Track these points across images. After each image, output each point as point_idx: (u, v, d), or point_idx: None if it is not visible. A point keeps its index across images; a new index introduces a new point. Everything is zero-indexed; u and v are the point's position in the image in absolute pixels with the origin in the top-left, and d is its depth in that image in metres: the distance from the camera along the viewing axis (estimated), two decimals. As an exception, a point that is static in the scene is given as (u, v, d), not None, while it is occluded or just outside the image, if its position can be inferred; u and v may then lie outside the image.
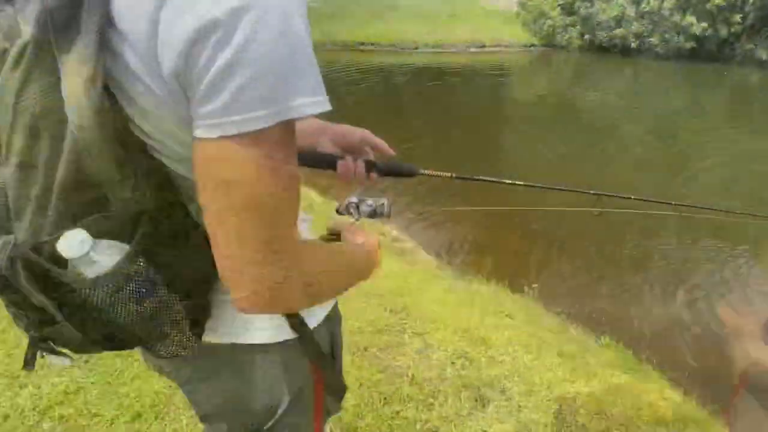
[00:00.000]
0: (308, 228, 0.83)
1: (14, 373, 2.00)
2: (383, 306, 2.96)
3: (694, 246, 4.84)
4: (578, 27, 16.46)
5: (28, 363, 0.66)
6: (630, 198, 1.60)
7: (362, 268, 0.79)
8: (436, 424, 2.10)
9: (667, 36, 14.77)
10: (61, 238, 0.52)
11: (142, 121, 0.53)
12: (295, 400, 0.80)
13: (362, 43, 17.30)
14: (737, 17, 14.16)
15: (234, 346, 0.72)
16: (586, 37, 16.33)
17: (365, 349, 2.54)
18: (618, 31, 15.41)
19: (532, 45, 17.24)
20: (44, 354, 0.66)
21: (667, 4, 14.39)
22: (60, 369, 2.01)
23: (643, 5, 14.88)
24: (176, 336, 0.64)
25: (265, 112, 0.49)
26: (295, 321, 0.74)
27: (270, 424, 0.80)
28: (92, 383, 2.02)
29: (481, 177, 1.41)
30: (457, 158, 7.22)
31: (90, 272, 0.53)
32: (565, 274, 4.29)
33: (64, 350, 0.65)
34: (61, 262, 0.53)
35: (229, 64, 0.46)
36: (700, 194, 6.48)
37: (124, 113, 0.51)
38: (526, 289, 3.78)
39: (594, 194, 1.49)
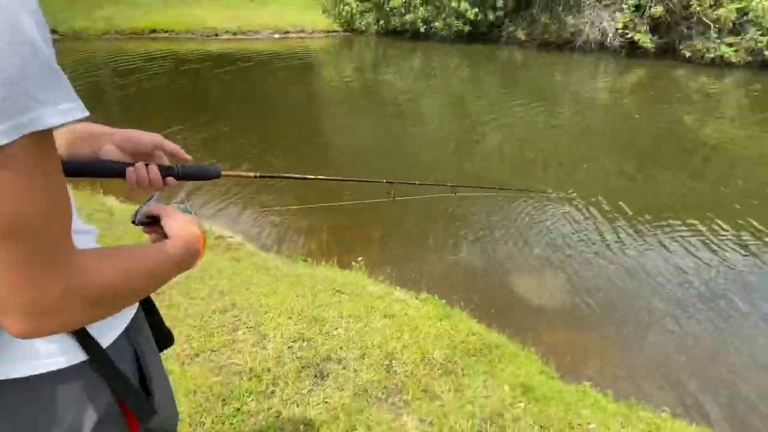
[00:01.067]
0: (93, 240, 0.78)
1: None
2: (211, 307, 2.87)
3: (469, 209, 5.69)
4: (373, 13, 17.47)
5: None
6: (416, 183, 1.84)
7: (177, 261, 0.75)
8: (279, 408, 2.15)
9: (448, 21, 16.67)
10: None
11: None
12: (100, 427, 0.72)
13: (154, 31, 15.74)
14: (500, 2, 16.63)
15: (20, 381, 0.65)
16: (381, 22, 17.45)
17: (196, 355, 2.45)
18: (408, 17, 16.82)
19: (334, 31, 17.76)
20: None
21: (445, -9, 16.21)
22: None
23: (426, -8, 16.55)
24: None
25: (1, 127, 0.46)
26: (84, 340, 0.69)
27: None
28: None
29: (283, 174, 1.47)
30: (265, 150, 7.16)
31: None
32: (385, 246, 4.67)
33: None
34: None
35: None
36: (487, 166, 7.60)
37: None
38: (353, 263, 4.01)
39: (388, 183, 1.67)
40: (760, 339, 3.70)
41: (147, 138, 0.93)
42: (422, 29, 17.05)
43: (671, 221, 5.47)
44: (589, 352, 3.47)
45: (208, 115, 8.78)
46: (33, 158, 0.50)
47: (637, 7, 15.52)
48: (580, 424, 2.40)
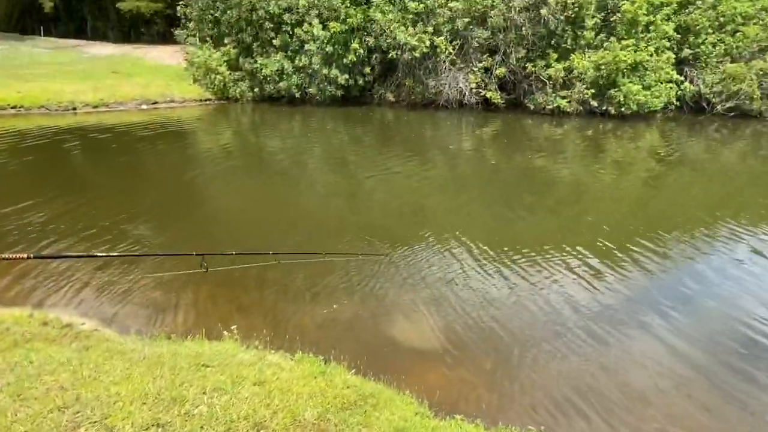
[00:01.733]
0: None
1: None
2: (48, 406, 2.52)
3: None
4: (247, 81, 17.68)
5: None
6: (232, 254, 1.85)
7: None
8: (124, 508, 1.91)
9: (321, 86, 17.43)
10: None
11: None
12: None
13: (1, 108, 14.28)
14: (367, 69, 17.86)
15: None
16: (256, 90, 17.69)
17: (23, 465, 2.12)
18: (282, 84, 17.28)
19: (207, 99, 17.57)
20: None
21: (315, 60, 16.96)
22: None
23: (297, 61, 17.14)
24: None
25: None
26: None
27: None
28: None
29: (63, 254, 1.40)
30: (122, 222, 6.70)
31: None
32: (259, 310, 4.52)
33: None
34: None
35: None
36: (369, 213, 7.85)
37: None
38: (225, 333, 3.82)
39: (198, 255, 1.67)
40: (624, 362, 4.13)
41: None
42: (297, 94, 17.58)
43: (532, 254, 6.05)
44: (461, 387, 3.61)
45: (59, 190, 8.03)
46: None
47: (486, 69, 17.60)
48: (450, 459, 2.46)
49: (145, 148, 11.55)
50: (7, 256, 1.08)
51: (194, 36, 18.50)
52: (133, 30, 27.02)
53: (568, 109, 16.96)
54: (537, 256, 5.98)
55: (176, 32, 19.46)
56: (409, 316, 4.60)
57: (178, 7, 19.09)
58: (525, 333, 4.37)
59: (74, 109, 15.28)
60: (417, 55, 16.93)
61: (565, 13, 16.71)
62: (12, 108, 14.56)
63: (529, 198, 8.76)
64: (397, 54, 17.29)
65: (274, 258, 2.45)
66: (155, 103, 16.61)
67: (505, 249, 6.16)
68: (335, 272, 5.33)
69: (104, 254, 1.23)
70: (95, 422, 2.41)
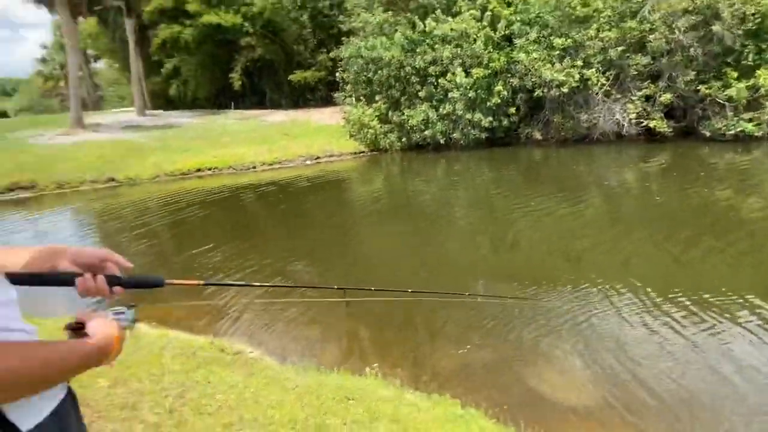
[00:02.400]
0: (30, 338, 0.92)
1: None
2: (219, 421, 2.90)
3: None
4: (396, 132, 18.87)
5: None
6: (371, 289, 1.96)
7: (83, 355, 0.89)
8: None
9: (465, 131, 17.75)
10: None
11: None
12: None
13: (199, 170, 17.44)
14: (512, 110, 17.73)
15: None
16: (404, 140, 18.74)
17: (196, 470, 2.46)
18: (427, 132, 18.05)
19: (361, 152, 19.13)
20: None
21: (459, 106, 17.45)
22: None
23: (441, 109, 17.82)
24: None
25: None
26: (3, 422, 0.80)
27: None
28: None
29: (228, 282, 1.62)
30: (291, 261, 7.49)
31: None
32: (400, 349, 4.62)
33: None
34: None
35: None
36: (526, 258, 7.61)
37: None
38: (367, 370, 3.99)
39: (339, 288, 1.81)
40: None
41: (95, 253, 1.12)
42: (442, 141, 18.13)
43: (724, 305, 5.15)
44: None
45: (244, 234, 9.42)
46: None
47: (647, 97, 16.10)
48: None
49: (306, 198, 12.95)
50: (179, 282, 1.30)
51: (350, 96, 20.51)
52: (301, 97, 31.00)
53: (757, 133, 14.51)
54: (722, 308, 5.09)
55: (336, 95, 21.85)
56: (558, 365, 4.26)
57: (337, 74, 21.47)
58: (716, 404, 3.70)
59: (254, 167, 17.90)
60: (565, 90, 16.30)
61: (744, 26, 14.61)
62: (208, 170, 17.63)
63: (708, 239, 7.55)
64: (543, 92, 16.87)
65: (412, 295, 2.51)
66: (317, 158, 18.61)
67: (677, 296, 5.37)
68: (476, 314, 5.22)
69: (259, 284, 1.45)
70: (252, 440, 2.70)
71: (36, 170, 16.01)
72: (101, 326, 0.95)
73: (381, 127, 18.93)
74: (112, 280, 1.12)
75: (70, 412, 0.95)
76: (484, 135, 17.80)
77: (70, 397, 0.98)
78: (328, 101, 27.00)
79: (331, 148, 19.22)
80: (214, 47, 29.61)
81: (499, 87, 17.27)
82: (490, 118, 17.54)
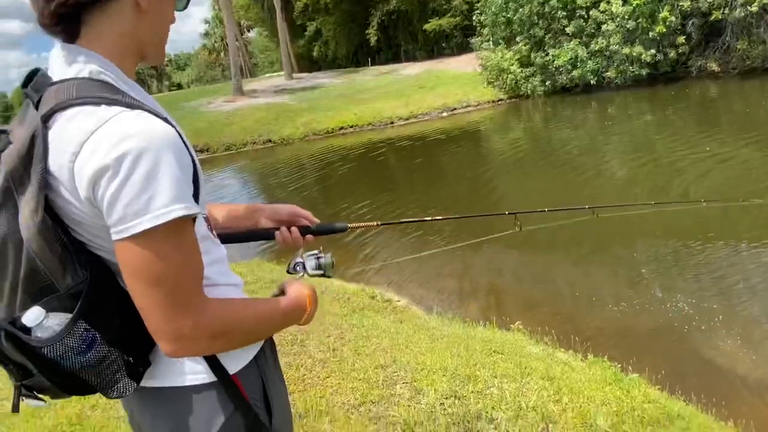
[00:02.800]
0: (239, 291, 1.03)
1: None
2: (375, 362, 3.13)
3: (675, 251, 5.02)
4: (539, 75, 17.51)
5: (15, 407, 0.88)
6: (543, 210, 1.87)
7: (285, 313, 0.98)
8: (428, 460, 2.23)
9: (621, 68, 15.72)
10: (25, 313, 0.78)
11: (80, 229, 0.79)
12: None
13: (342, 128, 18.35)
14: (681, 39, 15.16)
15: (170, 389, 0.92)
16: (548, 83, 17.33)
17: (359, 405, 2.70)
18: (575, 72, 16.40)
19: (500, 100, 18.24)
20: (24, 398, 0.87)
21: (614, 40, 15.44)
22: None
23: (592, 45, 15.96)
24: (119, 382, 0.86)
25: (141, 219, 0.73)
26: (216, 366, 0.91)
27: None
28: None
29: (404, 220, 1.68)
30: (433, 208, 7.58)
31: (45, 336, 0.78)
32: (548, 305, 4.45)
33: (42, 396, 0.87)
34: (27, 330, 0.78)
35: (114, 194, 0.72)
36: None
37: (65, 226, 0.78)
38: (512, 326, 3.94)
39: (510, 214, 1.75)
40: None
41: (286, 209, 1.27)
42: (593, 81, 16.38)
43: None
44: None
45: (389, 186, 9.82)
46: (167, 237, 0.75)
47: None
48: None
49: (442, 151, 12.86)
50: (359, 224, 1.39)
51: (488, 41, 19.47)
52: (436, 46, 30.35)
53: None
54: None
55: (472, 40, 20.92)
56: (743, 331, 3.72)
57: (474, 17, 20.44)
58: None
59: (391, 123, 18.26)
60: (754, 9, 13.38)
61: None
62: (350, 128, 18.46)
63: None
64: (724, 13, 14.07)
65: (591, 212, 2.24)
66: (454, 109, 18.26)
67: None
68: (637, 267, 4.78)
69: (431, 218, 1.48)
70: (407, 383, 2.87)
71: (208, 135, 18.38)
72: (296, 288, 1.05)
73: (521, 71, 17.74)
74: (304, 231, 1.24)
75: (269, 358, 1.06)
76: (645, 71, 15.62)
77: (270, 343, 1.09)
78: (463, 48, 26.03)
79: (468, 97, 18.65)
80: (350, 5, 30.22)
81: (665, 13, 14.85)
82: (653, 51, 15.27)
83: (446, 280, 5.23)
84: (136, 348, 0.87)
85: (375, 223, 1.57)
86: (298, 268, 1.21)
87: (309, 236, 1.24)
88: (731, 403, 2.90)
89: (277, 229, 1.21)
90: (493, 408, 2.59)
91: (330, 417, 2.56)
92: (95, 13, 0.81)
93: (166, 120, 0.81)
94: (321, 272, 1.23)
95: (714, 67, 15.26)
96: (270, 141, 18.26)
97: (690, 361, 3.45)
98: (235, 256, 6.91)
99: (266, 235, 1.23)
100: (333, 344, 3.41)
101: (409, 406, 2.65)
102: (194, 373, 0.91)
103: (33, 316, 0.77)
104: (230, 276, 1.02)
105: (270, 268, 5.62)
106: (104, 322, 0.82)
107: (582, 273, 4.97)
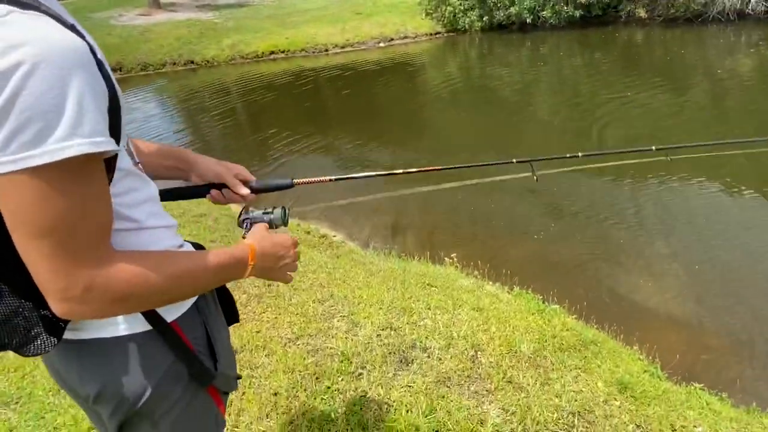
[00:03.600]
0: (172, 233, 0.92)
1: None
2: (312, 297, 3.14)
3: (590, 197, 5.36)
4: (477, 10, 17.22)
5: None
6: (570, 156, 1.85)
7: (219, 272, 0.85)
8: (365, 389, 2.31)
9: (557, 7, 15.83)
10: None
11: None
12: (162, 386, 0.86)
13: (273, 52, 17.22)
14: (615, -18, 15.46)
15: (99, 341, 0.82)
16: (485, 18, 17.12)
17: (297, 338, 2.72)
18: (513, 9, 16.31)
19: (437, 33, 17.84)
20: None
21: (552, -22, 15.43)
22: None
23: (531, -19, 15.87)
24: (36, 339, 0.76)
25: (28, 153, 0.59)
26: (152, 314, 0.83)
27: (141, 407, 0.85)
28: (25, 422, 2.07)
29: (356, 175, 1.57)
30: (372, 149, 7.50)
31: None
32: (478, 240, 4.65)
33: None
34: None
35: (1, 112, 0.57)
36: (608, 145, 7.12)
37: None
38: (446, 260, 4.08)
39: (519, 162, 1.72)
40: None
41: (219, 167, 1.15)
42: (529, 20, 16.41)
43: None
44: (705, 355, 3.14)
45: (321, 120, 9.49)
46: (65, 176, 0.62)
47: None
48: (684, 426, 2.22)
49: (375, 82, 12.56)
50: (308, 180, 1.30)
51: (429, -32, 18.66)
52: (374, -31, 28.69)
53: None
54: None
55: (412, -34, 19.94)
56: (653, 267, 4.12)
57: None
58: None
59: (326, 50, 17.37)
60: (684, -44, 13.79)
61: None
62: (282, 52, 17.36)
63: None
64: (655, -42, 14.40)
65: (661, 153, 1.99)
66: (391, 40, 17.65)
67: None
68: (541, 198, 5.08)
69: (386, 173, 1.37)
70: (344, 316, 2.92)
71: (121, 52, 16.53)
72: (246, 242, 0.95)
73: (461, 3, 17.32)
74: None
75: (210, 302, 1.00)
76: (578, 13, 15.83)
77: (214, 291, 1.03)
78: (403, -26, 24.77)
79: (406, 28, 18.05)
80: None
81: (602, -47, 14.93)
82: (588, -7, 15.45)
83: (382, 216, 5.27)
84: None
85: (327, 179, 1.46)
86: (246, 225, 1.10)
87: (248, 194, 1.16)
88: (638, 331, 3.24)
89: (211, 186, 1.14)
90: (426, 338, 2.71)
91: (267, 351, 2.56)
92: None
93: (73, 28, 0.65)
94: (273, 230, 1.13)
95: (642, 13, 15.79)
96: (192, 62, 16.79)
97: (604, 294, 3.78)
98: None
99: (199, 192, 1.15)
100: (268, 279, 3.37)
101: (346, 338, 2.70)
102: (127, 322, 0.83)
103: None
104: (162, 217, 0.90)
105: (198, 201, 5.34)
106: (7, 273, 0.71)
107: (510, 211, 5.20)
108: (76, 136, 0.61)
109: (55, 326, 0.77)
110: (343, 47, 17.40)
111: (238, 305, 3.10)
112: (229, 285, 3.32)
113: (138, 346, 0.84)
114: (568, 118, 8.61)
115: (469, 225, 4.91)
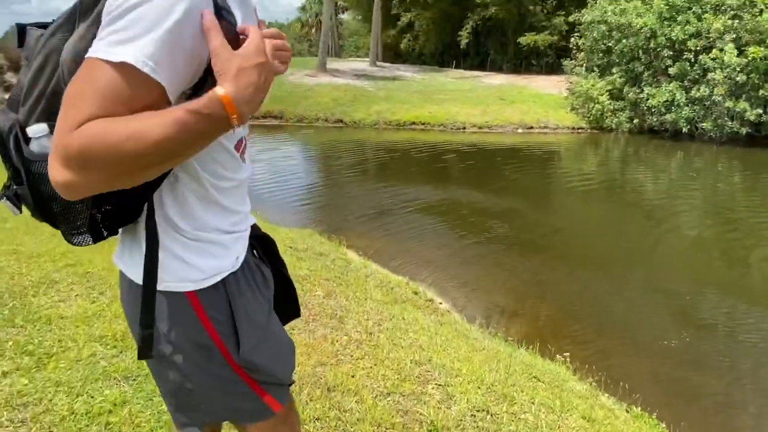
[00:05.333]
0: (233, 218, 0.96)
1: (71, 383, 2.25)
2: (410, 356, 3.05)
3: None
4: (627, 111, 16.68)
5: None
6: None
7: (188, 126, 0.71)
8: (450, 469, 2.12)
9: (719, 121, 14.69)
10: (33, 125, 0.80)
11: None
12: (190, 351, 0.92)
13: (413, 123, 18.28)
14: (794, 102, 14.02)
15: (129, 279, 0.93)
16: (635, 121, 16.48)
17: (389, 393, 2.63)
18: (668, 116, 15.48)
19: (580, 128, 17.54)
20: (5, 198, 0.87)
21: (719, 90, 14.44)
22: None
23: (693, 92, 14.99)
24: (80, 235, 0.85)
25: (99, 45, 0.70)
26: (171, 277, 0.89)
27: (174, 365, 0.93)
28: (137, 398, 2.23)
29: None
30: (490, 221, 7.36)
31: (36, 151, 0.80)
32: (600, 345, 4.19)
33: (22, 206, 0.87)
34: (28, 140, 0.81)
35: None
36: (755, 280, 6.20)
37: None
38: (558, 356, 3.74)
39: None
40: None
41: None
42: (685, 129, 15.43)
43: None
44: None
45: (443, 185, 9.69)
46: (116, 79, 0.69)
47: None
48: None
49: (508, 165, 12.51)
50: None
51: (581, 66, 18.77)
52: (525, 62, 29.61)
53: None
54: None
55: (564, 62, 20.23)
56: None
57: (572, 39, 19.75)
58: None
59: (464, 128, 18.00)
60: None
61: None
62: (422, 124, 18.36)
63: None
64: None
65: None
66: (531, 128, 17.76)
67: None
68: (692, 319, 4.42)
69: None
70: (439, 385, 2.77)
71: (285, 103, 18.82)
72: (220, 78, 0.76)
73: (610, 103, 16.96)
74: None
75: (242, 286, 0.97)
76: (744, 130, 14.54)
77: (249, 273, 1.01)
78: (553, 69, 25.28)
79: (547, 118, 18.08)
80: (448, 4, 29.99)
81: (783, 72, 13.76)
82: (760, 111, 14.18)
83: (494, 294, 5.06)
84: (106, 208, 0.84)
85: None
86: None
87: None
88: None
89: None
90: (526, 434, 2.45)
91: (358, 398, 2.50)
92: None
93: None
94: None
95: (825, 140, 14.02)
96: (341, 121, 18.48)
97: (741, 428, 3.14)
98: (288, 221, 7.01)
99: None
100: (371, 328, 3.36)
101: (438, 408, 2.54)
102: (147, 273, 0.88)
103: (36, 129, 0.79)
104: (238, 201, 0.96)
105: (320, 241, 5.65)
106: None
107: (638, 313, 4.66)
108: (137, 55, 0.69)
109: (97, 229, 0.86)
110: (481, 127, 17.89)
111: (338, 345, 3.12)
112: (332, 323, 3.37)
113: (173, 304, 0.91)
114: (718, 239, 7.68)
115: (588, 322, 4.48)
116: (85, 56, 0.71)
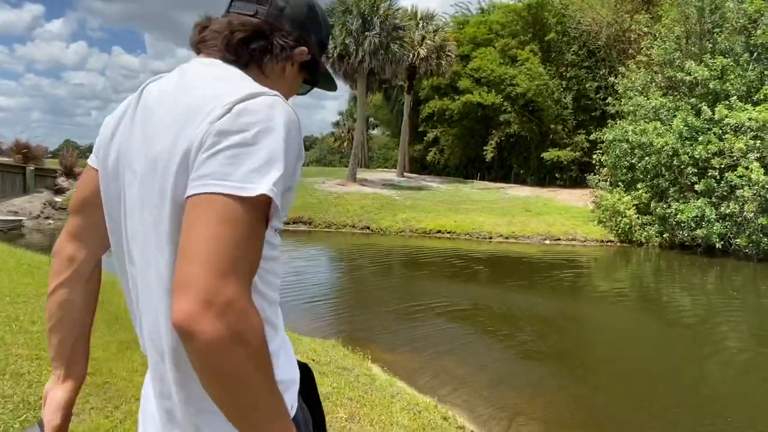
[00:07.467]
0: (273, 308, 0.90)
1: None
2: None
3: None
4: (656, 225, 16.53)
5: None
6: None
7: (272, 420, 0.73)
8: None
9: (754, 237, 14.34)
10: None
11: None
12: None
13: (439, 231, 18.49)
14: (832, 221, 13.67)
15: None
16: (665, 235, 16.26)
17: None
18: (699, 231, 15.22)
19: (609, 241, 17.35)
20: None
21: (749, 207, 14.30)
22: None
23: (722, 208, 14.87)
24: None
25: (249, 185, 0.72)
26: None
27: None
28: None
29: None
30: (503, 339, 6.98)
31: None
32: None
33: None
34: None
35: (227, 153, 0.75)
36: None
37: None
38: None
39: None
40: None
41: (52, 407, 1.01)
42: (718, 245, 15.08)
43: None
44: None
45: (471, 294, 9.43)
46: (248, 211, 0.71)
47: None
48: None
49: (537, 276, 12.25)
50: None
51: (605, 181, 19.10)
52: (548, 175, 30.44)
53: None
54: None
55: (588, 177, 20.66)
56: None
57: (594, 156, 20.38)
58: None
59: (490, 238, 18.06)
60: None
61: None
62: (447, 233, 18.54)
63: None
64: None
65: None
66: (557, 239, 17.68)
67: None
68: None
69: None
70: None
71: (315, 210, 19.50)
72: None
73: (638, 218, 16.90)
74: None
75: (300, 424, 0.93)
76: (782, 247, 14.13)
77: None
78: (577, 183, 25.82)
79: (575, 231, 18.04)
80: (473, 121, 31.89)
81: (813, 190, 13.65)
82: (795, 228, 13.88)
83: (533, 424, 4.63)
84: None
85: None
86: None
87: None
88: None
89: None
90: None
91: None
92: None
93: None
94: None
95: None
96: (368, 228, 18.87)
97: None
98: (310, 328, 6.84)
99: None
100: (398, 460, 3.06)
101: None
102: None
103: None
104: (276, 289, 0.92)
105: (344, 353, 5.44)
106: None
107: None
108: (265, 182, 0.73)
109: None
110: (506, 237, 17.92)
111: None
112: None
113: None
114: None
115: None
116: (211, 192, 0.74)
